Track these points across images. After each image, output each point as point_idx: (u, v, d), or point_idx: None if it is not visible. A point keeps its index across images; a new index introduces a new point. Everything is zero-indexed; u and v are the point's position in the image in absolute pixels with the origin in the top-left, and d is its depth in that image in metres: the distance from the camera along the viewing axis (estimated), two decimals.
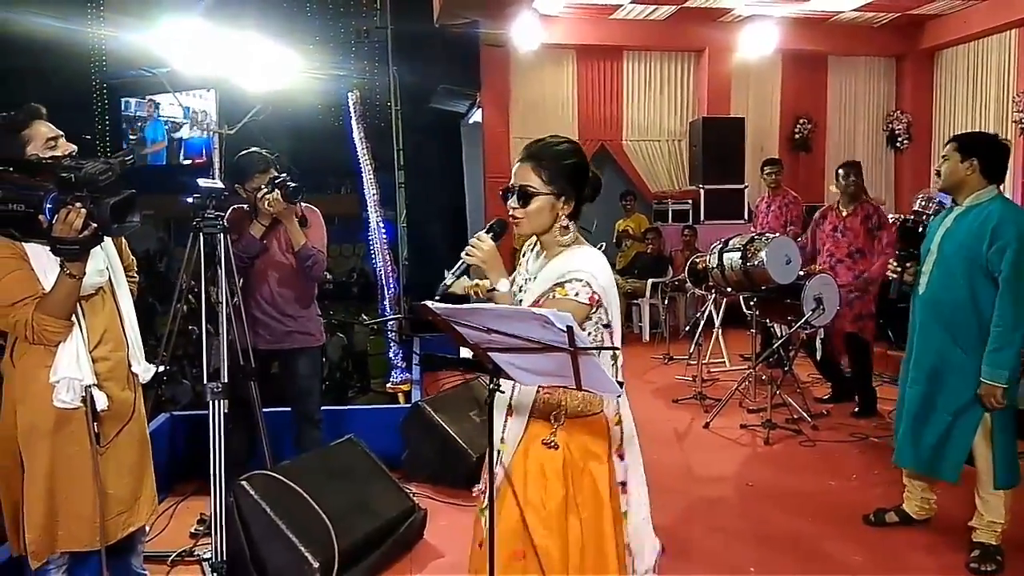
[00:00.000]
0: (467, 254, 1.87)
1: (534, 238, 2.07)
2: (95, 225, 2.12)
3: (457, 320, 1.44)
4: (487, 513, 1.85)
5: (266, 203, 3.35)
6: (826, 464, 4.32)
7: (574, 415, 1.96)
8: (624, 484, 2.04)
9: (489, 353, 1.53)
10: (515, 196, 1.93)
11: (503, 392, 1.90)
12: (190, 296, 3.87)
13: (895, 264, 3.30)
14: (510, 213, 1.96)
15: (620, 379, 1.98)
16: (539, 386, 1.94)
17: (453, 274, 1.87)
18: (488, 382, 1.71)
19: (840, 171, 5.16)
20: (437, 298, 1.77)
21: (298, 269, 3.52)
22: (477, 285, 2.00)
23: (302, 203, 3.47)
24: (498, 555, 1.86)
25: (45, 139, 2.31)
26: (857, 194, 5.11)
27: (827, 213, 5.28)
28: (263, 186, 3.37)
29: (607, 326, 1.93)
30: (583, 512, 1.94)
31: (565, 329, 1.31)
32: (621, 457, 2.04)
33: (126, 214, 2.23)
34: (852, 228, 5.06)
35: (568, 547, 1.91)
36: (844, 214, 5.12)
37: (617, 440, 2.04)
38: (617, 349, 1.87)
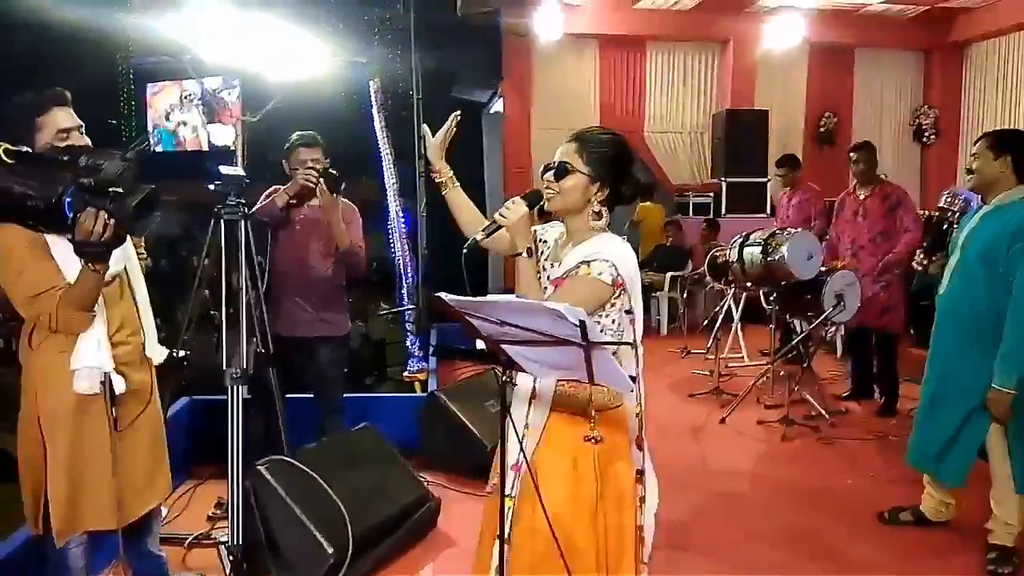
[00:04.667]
0: (500, 215, 1.92)
1: (559, 228, 2.08)
2: (115, 224, 2.07)
3: (470, 312, 1.44)
4: (505, 506, 1.84)
5: (304, 177, 3.39)
6: (843, 462, 4.29)
7: (602, 407, 1.96)
8: (641, 472, 2.05)
9: (502, 345, 1.53)
10: (553, 171, 1.98)
11: (516, 385, 1.89)
12: (211, 282, 3.92)
13: (922, 256, 3.27)
14: (545, 186, 2.00)
15: (635, 371, 1.94)
16: (558, 383, 1.94)
17: (484, 231, 1.94)
18: (501, 374, 1.70)
19: (851, 154, 5.15)
20: (465, 251, 1.86)
21: (333, 260, 3.57)
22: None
23: (342, 198, 3.49)
24: (520, 554, 1.85)
25: (57, 130, 2.26)
26: (869, 174, 5.05)
27: (845, 199, 5.22)
28: (311, 165, 3.42)
29: (629, 312, 1.93)
30: (607, 506, 1.93)
31: (577, 324, 1.31)
32: (639, 446, 2.05)
33: (147, 210, 2.20)
34: (872, 210, 4.98)
35: (599, 544, 1.90)
36: (862, 197, 5.05)
37: (635, 430, 2.04)
38: (630, 344, 1.87)
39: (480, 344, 1.74)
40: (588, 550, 1.89)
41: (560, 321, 1.33)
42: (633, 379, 1.90)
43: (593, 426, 1.94)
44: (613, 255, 1.90)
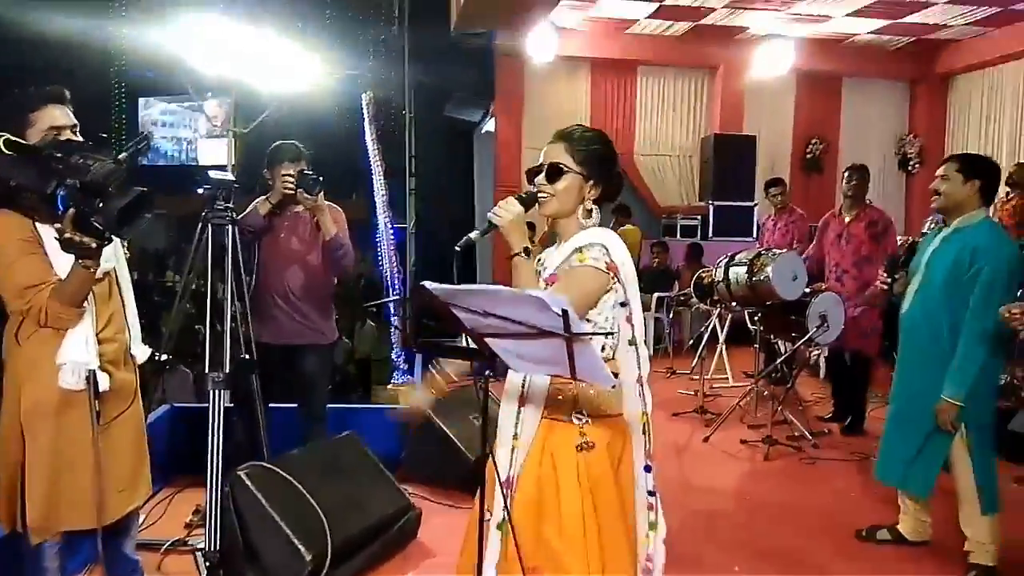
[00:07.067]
0: (494, 214, 1.87)
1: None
2: (100, 225, 2.05)
3: (455, 302, 1.44)
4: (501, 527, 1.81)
5: (283, 185, 3.43)
6: (824, 481, 4.30)
7: (595, 411, 1.90)
8: (653, 494, 1.99)
9: (486, 339, 1.53)
10: (544, 173, 1.94)
11: (497, 381, 1.81)
12: (196, 288, 3.90)
13: (884, 275, 3.33)
14: (537, 190, 1.95)
15: (644, 372, 1.93)
16: (551, 378, 1.88)
17: (479, 231, 1.89)
18: (484, 373, 1.69)
19: (845, 173, 5.17)
20: (458, 249, 1.81)
21: (319, 265, 3.59)
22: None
23: (325, 201, 3.51)
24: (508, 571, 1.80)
25: (47, 128, 2.26)
26: (859, 197, 5.08)
27: (830, 220, 5.26)
28: (290, 173, 3.44)
29: (624, 304, 1.90)
30: (602, 520, 1.85)
31: (560, 313, 1.31)
32: (648, 467, 1.99)
33: (136, 213, 2.15)
34: (856, 235, 5.02)
35: (587, 558, 1.83)
36: (847, 220, 5.09)
37: (646, 446, 1.98)
38: (612, 333, 1.84)
39: (467, 342, 1.73)
40: (572, 566, 1.81)
41: (544, 311, 1.34)
42: (639, 382, 1.92)
43: (583, 432, 1.87)
44: (606, 240, 1.88)
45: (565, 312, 1.31)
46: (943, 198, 3.08)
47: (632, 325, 1.91)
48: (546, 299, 1.32)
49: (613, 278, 1.87)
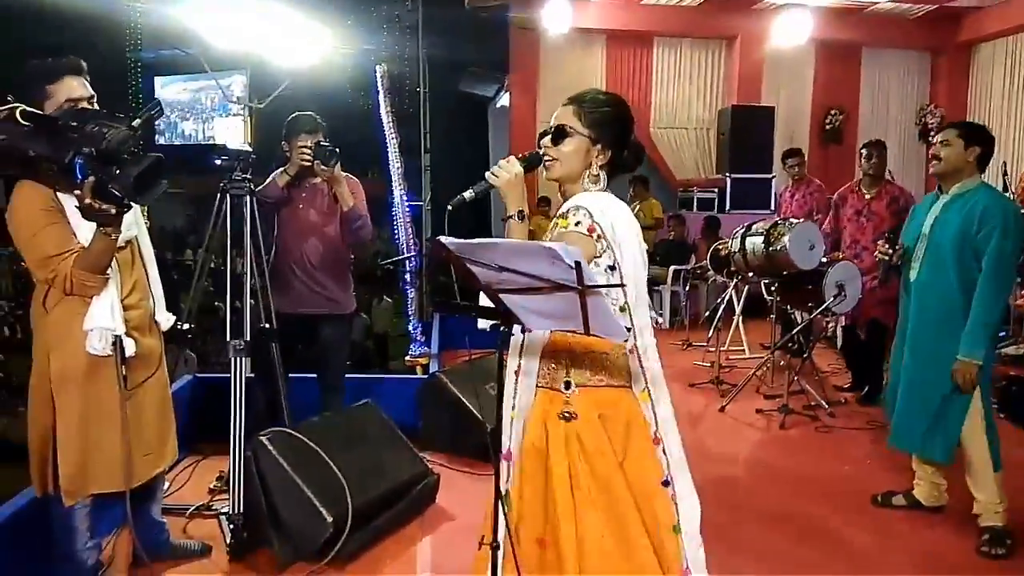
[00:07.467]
0: (493, 174, 1.82)
1: None
2: (119, 195, 2.09)
3: (469, 256, 1.46)
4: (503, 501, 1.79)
5: (300, 157, 3.47)
6: (840, 449, 4.30)
7: (587, 383, 1.83)
8: (670, 484, 1.89)
9: (500, 295, 1.55)
10: (551, 136, 1.88)
11: (512, 335, 1.81)
12: (215, 266, 3.95)
13: (885, 246, 3.35)
14: (543, 152, 1.90)
15: (640, 343, 1.86)
16: (549, 334, 1.82)
17: (473, 190, 1.83)
18: (499, 328, 1.70)
19: (863, 150, 5.09)
20: (450, 208, 1.80)
21: (337, 236, 3.63)
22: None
23: (343, 172, 3.55)
24: (515, 538, 1.77)
25: (65, 100, 2.29)
26: (879, 175, 5.03)
27: (848, 195, 5.19)
28: (307, 145, 3.47)
29: (612, 268, 1.80)
30: (600, 504, 1.77)
31: (573, 265, 1.33)
32: (661, 447, 1.88)
33: (152, 179, 2.18)
34: (877, 212, 4.97)
35: (581, 535, 1.75)
36: (868, 197, 5.03)
37: (652, 424, 1.89)
38: (622, 286, 1.78)
39: (483, 301, 1.73)
40: (564, 542, 1.76)
41: (557, 264, 1.35)
42: (632, 352, 1.87)
43: (567, 400, 1.82)
44: (590, 203, 1.80)
45: (578, 264, 1.33)
46: (943, 163, 3.14)
47: (625, 294, 1.82)
48: (559, 250, 1.34)
49: (597, 240, 1.78)
